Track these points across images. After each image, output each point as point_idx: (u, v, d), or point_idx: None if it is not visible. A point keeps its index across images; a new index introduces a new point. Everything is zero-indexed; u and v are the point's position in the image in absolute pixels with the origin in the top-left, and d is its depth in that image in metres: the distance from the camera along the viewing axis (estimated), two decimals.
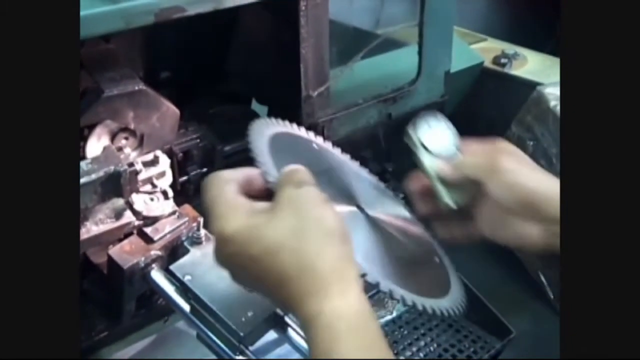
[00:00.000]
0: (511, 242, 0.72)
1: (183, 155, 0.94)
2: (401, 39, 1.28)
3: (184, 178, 0.95)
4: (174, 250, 0.81)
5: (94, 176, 0.76)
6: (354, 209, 0.67)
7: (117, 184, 0.78)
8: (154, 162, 0.87)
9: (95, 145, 0.83)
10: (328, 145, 0.77)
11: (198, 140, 0.95)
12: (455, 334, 1.12)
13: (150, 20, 0.75)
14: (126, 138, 0.86)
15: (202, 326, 0.69)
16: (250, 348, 0.67)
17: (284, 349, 0.70)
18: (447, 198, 0.71)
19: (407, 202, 0.77)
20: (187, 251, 0.77)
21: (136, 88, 0.82)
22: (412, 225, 0.75)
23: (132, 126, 0.85)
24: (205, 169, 0.96)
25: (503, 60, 1.46)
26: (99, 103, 0.80)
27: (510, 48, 1.49)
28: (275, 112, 0.77)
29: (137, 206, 0.83)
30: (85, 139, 0.82)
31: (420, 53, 1.14)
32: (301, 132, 0.74)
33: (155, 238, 0.81)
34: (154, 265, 0.80)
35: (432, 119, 0.73)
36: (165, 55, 1.00)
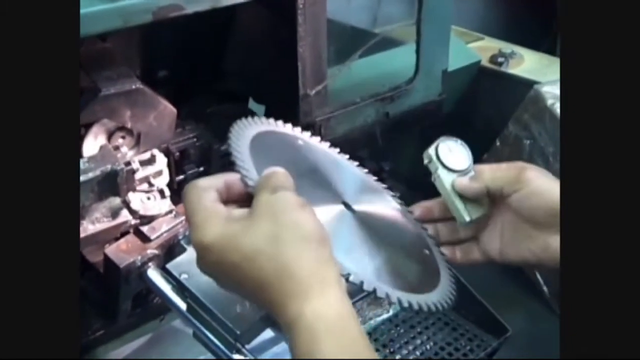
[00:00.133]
0: (526, 258, 0.72)
1: (180, 154, 0.94)
2: (399, 38, 1.27)
3: (181, 177, 0.95)
4: (171, 249, 0.81)
5: (90, 175, 0.76)
6: (339, 206, 0.67)
7: (114, 183, 0.78)
8: (151, 161, 0.87)
9: (92, 144, 0.83)
10: (315, 140, 0.76)
11: (195, 139, 0.95)
12: (451, 332, 1.12)
13: (148, 19, 0.75)
14: (123, 137, 0.86)
15: (198, 325, 0.68)
16: (247, 346, 0.67)
17: (281, 347, 0.70)
18: (465, 213, 0.72)
19: (400, 199, 0.77)
20: (183, 250, 0.77)
21: (133, 87, 0.82)
22: (402, 216, 0.75)
23: (129, 125, 0.85)
24: (202, 168, 0.96)
25: (500, 59, 1.46)
26: (96, 102, 0.80)
27: (507, 47, 1.49)
28: (273, 111, 0.77)
29: (134, 205, 0.83)
30: (82, 138, 0.82)
31: (417, 52, 1.14)
32: (286, 129, 0.73)
33: (152, 237, 0.81)
34: (150, 264, 0.80)
35: (450, 141, 0.75)
36: (162, 54, 1.00)
